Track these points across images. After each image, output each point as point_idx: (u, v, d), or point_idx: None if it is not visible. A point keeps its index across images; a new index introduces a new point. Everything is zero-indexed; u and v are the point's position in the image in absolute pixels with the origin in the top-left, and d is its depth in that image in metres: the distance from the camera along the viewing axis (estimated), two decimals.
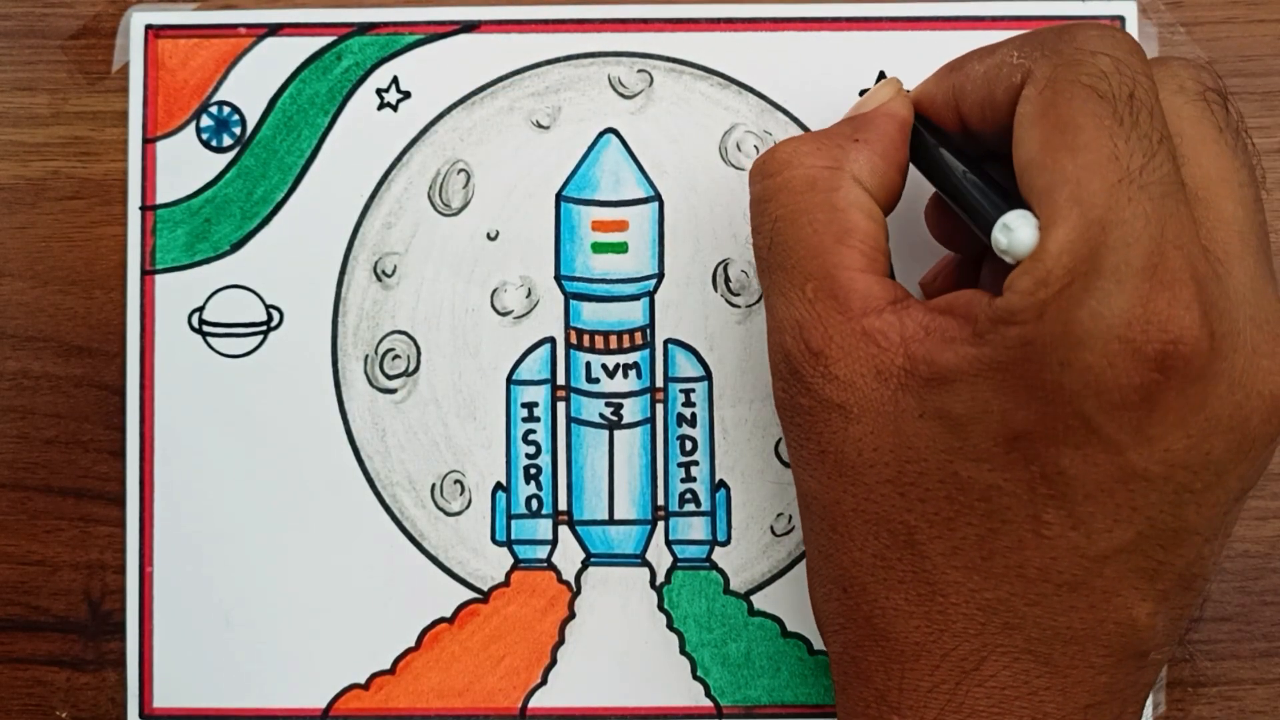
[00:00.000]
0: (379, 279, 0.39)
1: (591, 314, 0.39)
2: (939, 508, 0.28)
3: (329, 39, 0.39)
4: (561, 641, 0.39)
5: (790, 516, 0.39)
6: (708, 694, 0.39)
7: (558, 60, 0.39)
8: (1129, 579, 0.28)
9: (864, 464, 0.29)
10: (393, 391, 0.39)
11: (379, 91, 0.39)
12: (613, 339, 0.39)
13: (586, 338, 0.39)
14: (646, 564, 0.39)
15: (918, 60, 0.39)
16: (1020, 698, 0.28)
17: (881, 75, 0.39)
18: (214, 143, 0.39)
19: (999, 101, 0.30)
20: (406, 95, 0.39)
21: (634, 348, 0.39)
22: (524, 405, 0.39)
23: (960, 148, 0.32)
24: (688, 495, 0.39)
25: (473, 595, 0.39)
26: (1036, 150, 0.28)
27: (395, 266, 0.39)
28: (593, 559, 0.39)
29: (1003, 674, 0.28)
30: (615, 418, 0.39)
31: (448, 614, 0.39)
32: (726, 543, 0.39)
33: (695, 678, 0.39)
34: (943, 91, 0.32)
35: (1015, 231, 0.27)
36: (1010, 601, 0.28)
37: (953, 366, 0.28)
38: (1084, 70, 0.28)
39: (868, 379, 0.29)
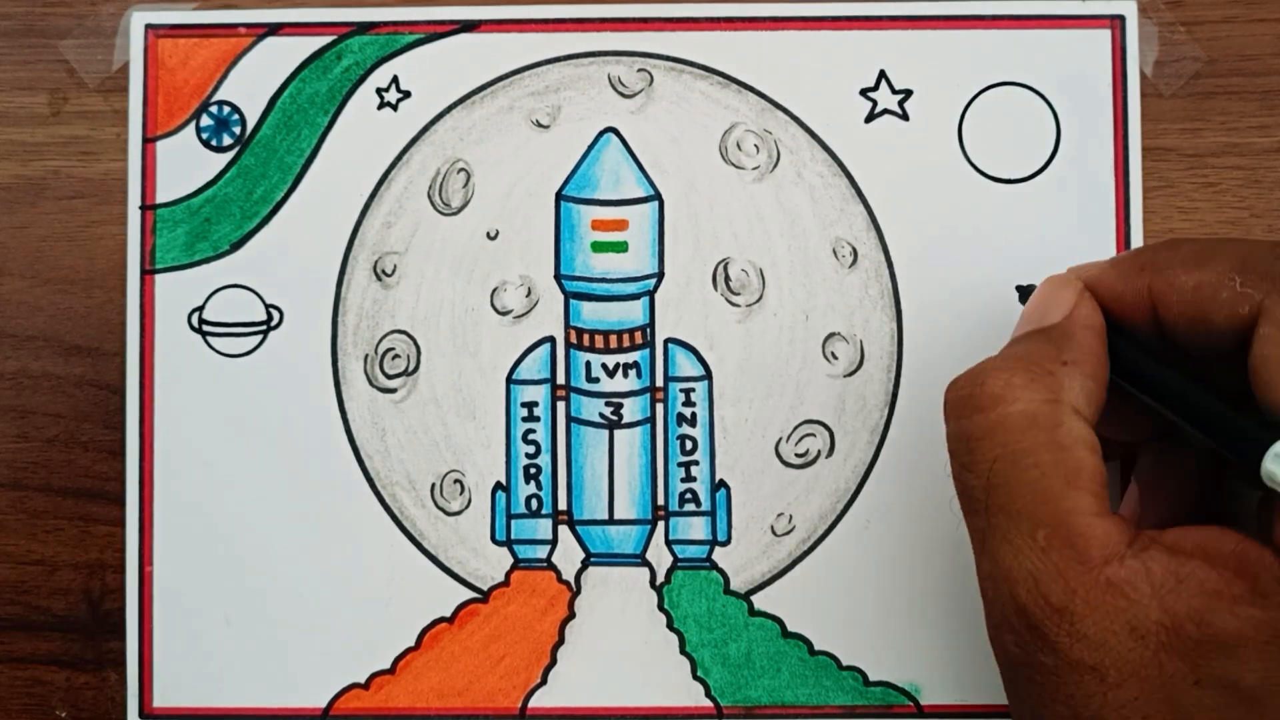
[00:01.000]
0: (379, 278, 0.39)
1: (591, 313, 0.39)
2: None
3: (329, 38, 0.39)
4: (561, 641, 0.39)
5: (790, 516, 0.39)
6: (708, 694, 0.38)
7: (558, 60, 0.39)
8: None
9: None
10: (393, 391, 0.39)
11: (379, 91, 0.39)
12: (612, 338, 0.39)
13: (586, 337, 0.39)
14: (646, 564, 0.39)
15: (918, 60, 0.39)
16: None
17: (882, 75, 0.39)
18: (214, 142, 0.39)
19: (1216, 325, 0.29)
20: (406, 95, 0.39)
21: (634, 347, 0.39)
22: (524, 405, 0.39)
23: (1154, 349, 0.31)
24: (688, 495, 0.39)
25: (473, 595, 0.39)
26: None
27: (395, 266, 0.39)
28: (593, 559, 0.39)
29: None
30: (615, 417, 0.39)
31: (448, 614, 0.39)
32: (727, 542, 0.39)
33: (695, 678, 0.39)
34: (1133, 291, 0.30)
35: None
36: None
37: (1235, 632, 0.26)
38: None
39: (1121, 637, 0.27)
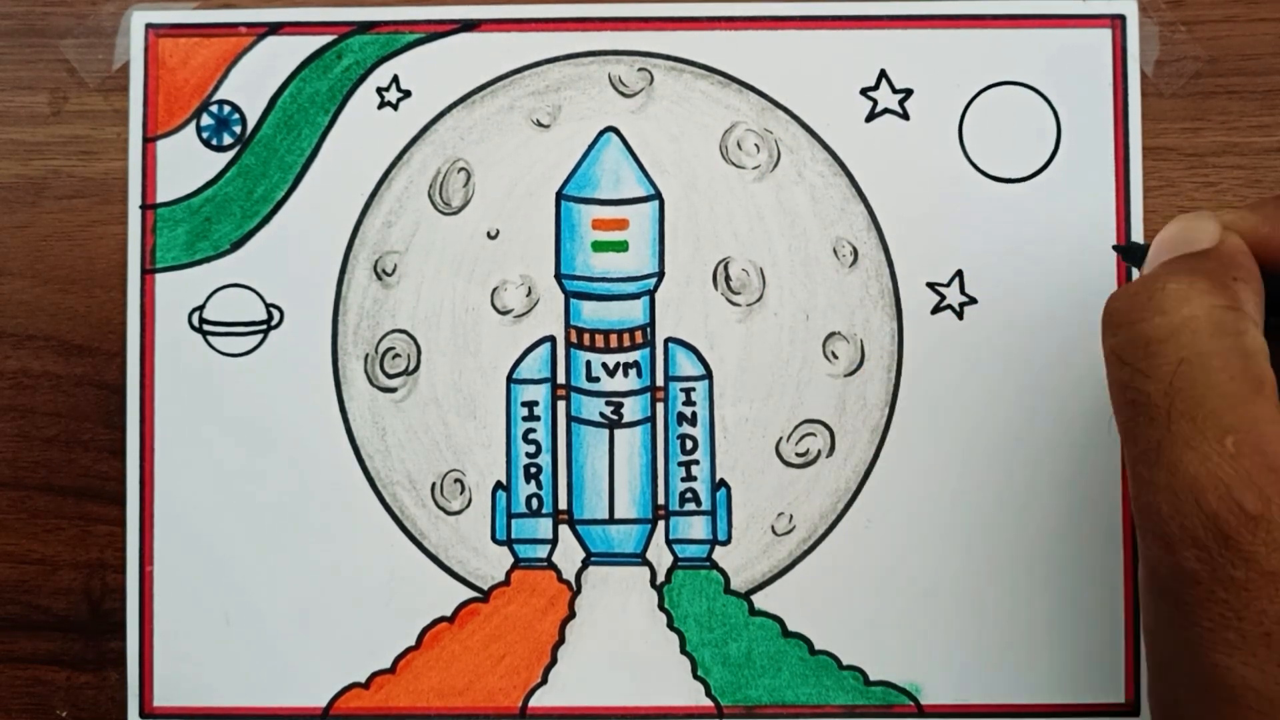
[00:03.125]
0: (379, 278, 0.39)
1: (592, 313, 0.39)
2: None
3: (329, 38, 0.39)
4: (562, 641, 0.39)
5: (791, 516, 0.39)
6: (708, 694, 0.38)
7: (558, 59, 0.39)
8: None
9: None
10: (393, 390, 0.39)
11: (379, 90, 0.39)
12: (613, 338, 0.39)
13: (587, 336, 0.39)
14: (647, 563, 0.39)
15: (918, 59, 0.39)
16: None
17: (883, 74, 0.39)
18: (214, 141, 0.39)
19: None
20: (407, 94, 0.39)
21: (634, 346, 0.39)
22: (524, 404, 0.39)
23: None
24: (688, 494, 0.39)
25: (473, 594, 0.39)
26: None
27: (395, 265, 0.39)
28: (593, 558, 0.39)
29: None
30: (615, 417, 0.39)
31: (448, 613, 0.39)
32: (727, 542, 0.39)
33: (695, 677, 0.39)
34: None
35: None
36: None
37: None
38: None
39: None
